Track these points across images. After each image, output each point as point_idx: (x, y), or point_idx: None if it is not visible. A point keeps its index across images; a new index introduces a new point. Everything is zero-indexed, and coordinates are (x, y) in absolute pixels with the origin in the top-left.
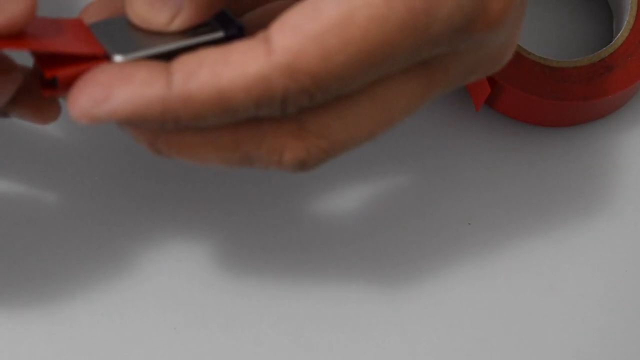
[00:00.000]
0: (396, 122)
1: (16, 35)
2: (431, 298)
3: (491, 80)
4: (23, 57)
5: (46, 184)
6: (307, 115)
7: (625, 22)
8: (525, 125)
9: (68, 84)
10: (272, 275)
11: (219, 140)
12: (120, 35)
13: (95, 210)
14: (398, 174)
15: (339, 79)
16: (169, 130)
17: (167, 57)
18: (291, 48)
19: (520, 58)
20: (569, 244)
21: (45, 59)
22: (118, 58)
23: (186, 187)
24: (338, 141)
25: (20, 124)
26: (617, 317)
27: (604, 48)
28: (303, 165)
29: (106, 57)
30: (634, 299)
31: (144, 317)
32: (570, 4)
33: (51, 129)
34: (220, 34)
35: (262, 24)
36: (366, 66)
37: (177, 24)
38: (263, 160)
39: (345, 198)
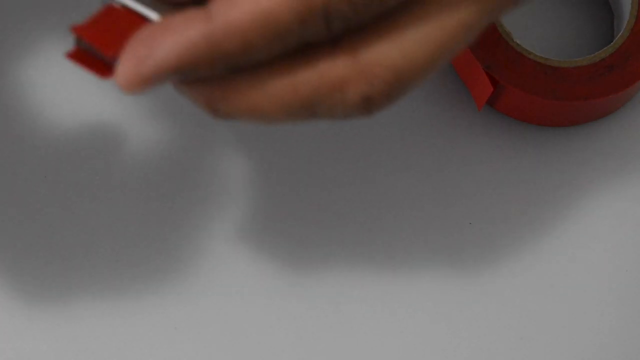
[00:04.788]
0: (461, 41)
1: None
2: (432, 297)
3: (492, 80)
4: None
5: (46, 183)
6: (358, 43)
7: (626, 22)
8: (526, 125)
9: (82, 34)
10: (272, 275)
11: (276, 86)
12: None
13: (95, 209)
14: (398, 173)
15: None
16: (223, 79)
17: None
18: None
19: (521, 58)
20: (569, 243)
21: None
22: None
23: (185, 187)
24: (399, 70)
25: (20, 125)
26: (617, 317)
27: (604, 48)
28: (369, 102)
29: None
30: (634, 299)
31: (144, 316)
32: (570, 4)
33: (52, 129)
34: None
35: None
36: None
37: None
38: (326, 103)
39: (345, 198)
